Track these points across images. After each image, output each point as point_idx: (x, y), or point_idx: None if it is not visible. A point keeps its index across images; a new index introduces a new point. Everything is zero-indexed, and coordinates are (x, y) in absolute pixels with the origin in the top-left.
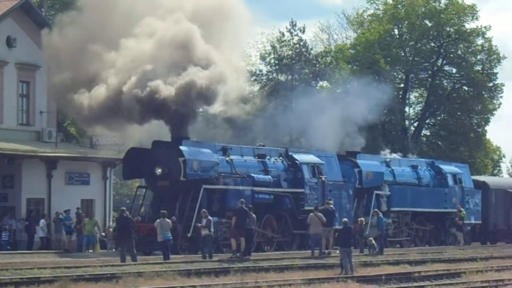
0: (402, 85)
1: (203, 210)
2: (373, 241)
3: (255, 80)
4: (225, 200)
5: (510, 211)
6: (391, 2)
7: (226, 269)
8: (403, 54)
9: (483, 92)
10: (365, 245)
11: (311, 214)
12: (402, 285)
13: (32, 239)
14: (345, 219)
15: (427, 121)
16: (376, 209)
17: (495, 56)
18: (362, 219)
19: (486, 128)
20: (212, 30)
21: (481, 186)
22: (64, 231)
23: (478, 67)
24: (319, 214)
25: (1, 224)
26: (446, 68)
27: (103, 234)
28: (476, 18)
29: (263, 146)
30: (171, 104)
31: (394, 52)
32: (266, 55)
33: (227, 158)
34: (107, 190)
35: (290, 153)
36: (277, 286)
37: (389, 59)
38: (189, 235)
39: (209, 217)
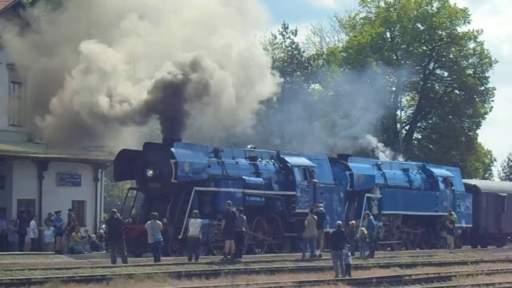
0: (394, 88)
1: (194, 211)
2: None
3: None
4: (216, 202)
5: (501, 215)
6: (383, 5)
7: (217, 271)
8: (395, 57)
9: (475, 96)
10: (356, 248)
11: (308, 216)
12: None
13: (23, 240)
14: (339, 222)
15: (418, 125)
16: (367, 211)
17: (486, 60)
18: (353, 222)
19: (477, 132)
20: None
21: (472, 189)
22: (53, 232)
23: (470, 71)
24: (315, 216)
25: None
26: (438, 71)
27: (93, 235)
28: (468, 22)
29: (255, 148)
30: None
31: (386, 55)
32: None
33: (218, 160)
34: (98, 192)
35: (281, 156)
36: None
37: (381, 62)
38: (180, 237)
39: (198, 219)
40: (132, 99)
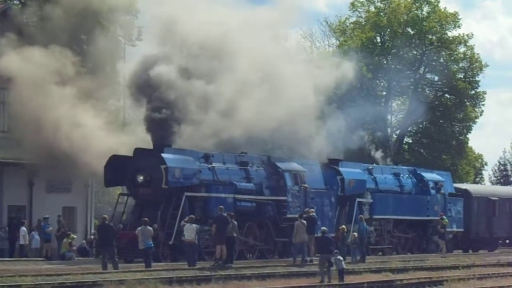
0: (384, 93)
1: (190, 216)
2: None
3: None
4: (207, 207)
5: (492, 219)
6: (373, 10)
7: (208, 277)
8: (385, 62)
9: (465, 100)
10: (348, 253)
11: (297, 222)
12: None
13: (13, 247)
14: (324, 228)
15: (409, 129)
16: (361, 215)
17: (477, 64)
18: (344, 226)
19: (468, 136)
20: None
21: (463, 194)
22: (40, 238)
23: (460, 75)
24: (303, 221)
25: None
26: (428, 76)
27: (84, 242)
28: (459, 26)
29: (246, 153)
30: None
31: (376, 60)
32: None
33: (209, 166)
34: (89, 198)
35: (272, 161)
36: None
37: (371, 66)
38: (170, 242)
39: (193, 224)
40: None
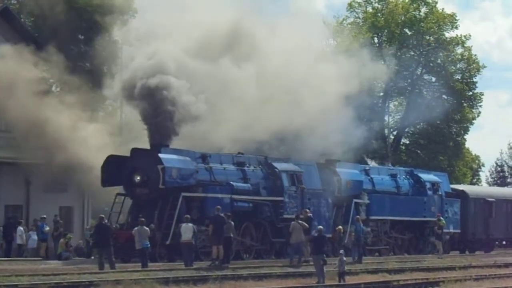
0: (381, 94)
1: (186, 215)
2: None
3: None
4: (204, 208)
5: (489, 220)
6: (371, 10)
7: (204, 277)
8: (382, 62)
9: (463, 101)
10: (346, 253)
11: (293, 222)
12: None
13: (10, 246)
14: (320, 227)
15: (406, 130)
16: (358, 216)
17: (474, 65)
18: (340, 227)
19: (465, 137)
20: None
21: (460, 195)
22: (37, 238)
23: (458, 76)
24: (301, 222)
25: None
26: (426, 76)
27: (80, 241)
28: (456, 27)
29: (242, 154)
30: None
31: (374, 61)
32: None
33: (206, 166)
34: (86, 197)
35: (269, 161)
36: None
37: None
38: (167, 242)
39: (189, 224)
40: None
